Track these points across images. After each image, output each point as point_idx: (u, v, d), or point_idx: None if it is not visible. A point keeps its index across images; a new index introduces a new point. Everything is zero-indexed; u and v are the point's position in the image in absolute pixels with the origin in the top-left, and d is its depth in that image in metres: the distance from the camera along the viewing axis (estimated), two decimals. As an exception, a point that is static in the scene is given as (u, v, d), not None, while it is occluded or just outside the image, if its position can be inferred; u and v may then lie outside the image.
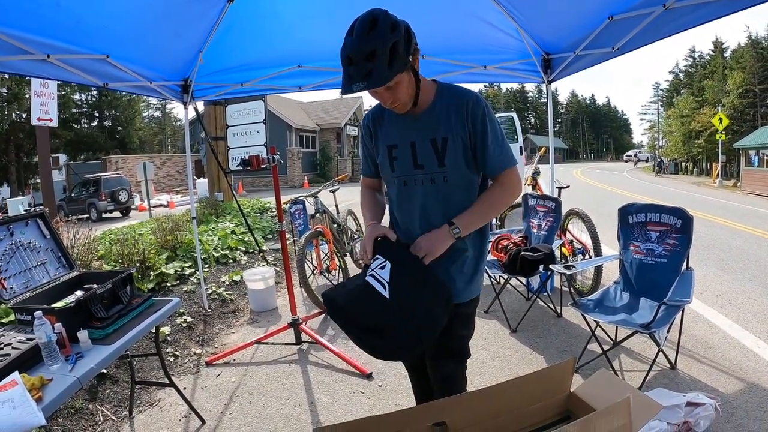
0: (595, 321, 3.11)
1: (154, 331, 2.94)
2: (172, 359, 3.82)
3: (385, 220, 1.97)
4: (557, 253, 4.52)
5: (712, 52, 48.01)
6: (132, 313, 2.54)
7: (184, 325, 4.33)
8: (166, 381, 2.93)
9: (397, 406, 2.97)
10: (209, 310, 4.77)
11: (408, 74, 1.63)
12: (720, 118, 24.90)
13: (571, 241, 4.86)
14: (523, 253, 3.83)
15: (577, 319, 4.16)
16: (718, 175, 25.70)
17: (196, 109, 4.74)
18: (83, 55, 3.38)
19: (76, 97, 37.55)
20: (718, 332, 3.91)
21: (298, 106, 34.18)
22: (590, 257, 4.65)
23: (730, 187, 23.62)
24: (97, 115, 39.89)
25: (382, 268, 1.66)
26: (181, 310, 4.55)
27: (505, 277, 4.23)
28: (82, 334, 2.12)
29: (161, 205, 19.52)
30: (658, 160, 42.98)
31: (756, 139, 21.87)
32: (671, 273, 3.20)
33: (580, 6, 3.48)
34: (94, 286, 2.55)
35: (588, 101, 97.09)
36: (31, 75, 3.29)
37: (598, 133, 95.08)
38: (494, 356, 3.58)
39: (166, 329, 4.11)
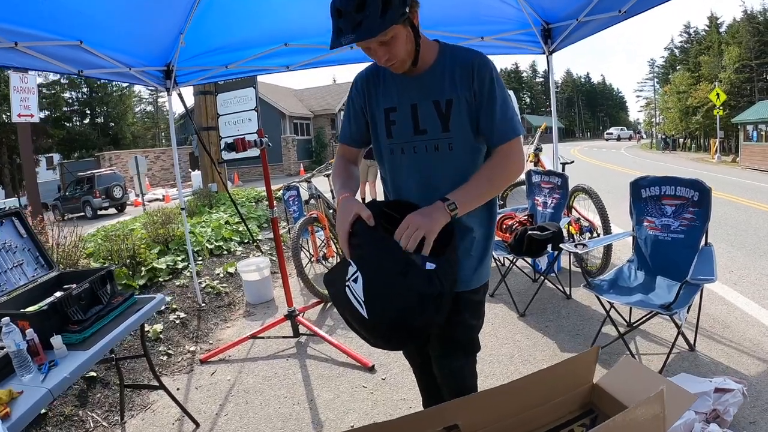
0: (609, 302, 2.92)
1: (140, 330, 2.77)
2: (165, 358, 3.64)
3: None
4: (564, 231, 4.32)
5: (707, 28, 47.58)
6: (112, 314, 2.35)
7: (177, 321, 4.15)
8: (156, 384, 2.75)
9: (403, 400, 2.79)
10: (203, 305, 4.58)
11: (405, 28, 1.42)
12: (717, 94, 24.68)
13: (578, 219, 4.65)
14: (530, 232, 3.62)
15: (587, 300, 3.98)
16: (716, 150, 25.54)
17: (180, 95, 4.49)
18: (54, 42, 3.17)
19: (67, 95, 37.17)
20: (734, 311, 3.73)
21: (291, 94, 33.85)
22: (598, 236, 4.46)
23: (729, 162, 23.48)
24: (88, 112, 39.45)
25: (355, 280, 1.42)
26: (174, 306, 4.36)
27: (511, 258, 4.03)
28: (56, 340, 1.94)
29: (157, 200, 19.32)
30: (663, 136, 42.73)
31: (754, 114, 21.72)
32: (689, 249, 3.01)
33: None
34: (74, 286, 2.37)
35: (583, 80, 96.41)
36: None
37: (593, 111, 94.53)
38: (503, 342, 3.39)
39: (158, 327, 3.93)
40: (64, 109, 36.77)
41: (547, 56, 4.38)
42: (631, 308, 3.39)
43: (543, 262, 4.15)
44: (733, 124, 25.20)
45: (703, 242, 3.00)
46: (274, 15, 3.85)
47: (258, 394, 3.03)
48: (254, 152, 3.43)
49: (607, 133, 61.41)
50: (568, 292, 4.12)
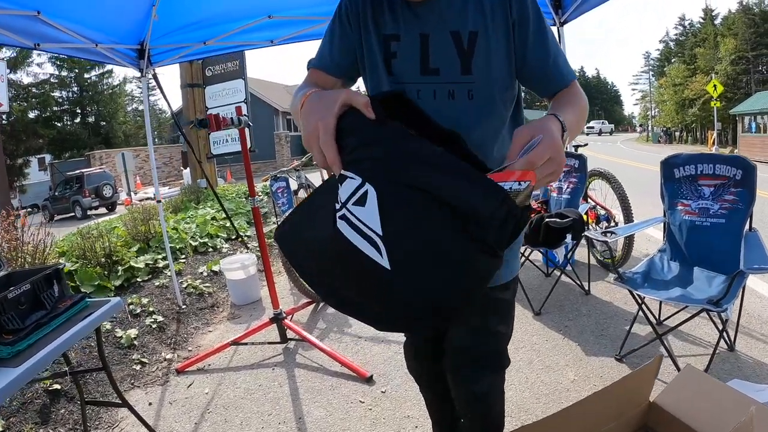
0: (640, 297, 2.53)
1: (97, 339, 2.36)
2: (138, 368, 3.23)
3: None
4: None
5: (702, 20, 47.40)
6: (56, 321, 1.93)
7: (154, 326, 3.73)
8: (119, 401, 2.34)
9: (407, 418, 2.37)
10: (183, 307, 4.16)
11: None
12: (714, 85, 24.47)
13: (594, 207, 4.25)
14: (547, 220, 3.21)
15: (608, 295, 3.59)
16: (714, 142, 25.41)
17: (155, 76, 4.09)
18: (9, 11, 2.78)
19: (57, 94, 36.59)
20: None
21: (284, 89, 33.48)
22: (615, 225, 4.07)
23: (727, 153, 23.32)
24: (79, 111, 38.85)
25: (360, 202, 0.80)
26: (152, 309, 3.95)
27: (523, 250, 3.63)
28: (-20, 355, 1.53)
29: (148, 198, 18.88)
30: (663, 129, 42.64)
31: (753, 105, 21.68)
32: (731, 236, 2.63)
33: None
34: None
35: (578, 73, 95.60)
36: None
37: (589, 105, 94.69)
38: (519, 346, 2.98)
39: (132, 332, 3.52)
40: (54, 108, 36.20)
41: (558, 28, 3.97)
42: (660, 305, 3.03)
43: (560, 253, 3.75)
44: (730, 115, 25.09)
45: (747, 227, 2.63)
46: (256, -17, 3.47)
47: (238, 411, 2.62)
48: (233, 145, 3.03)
49: (587, 127, 52.72)
50: (587, 288, 3.72)
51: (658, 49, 66.69)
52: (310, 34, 3.92)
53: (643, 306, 2.60)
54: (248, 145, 2.87)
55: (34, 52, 25.39)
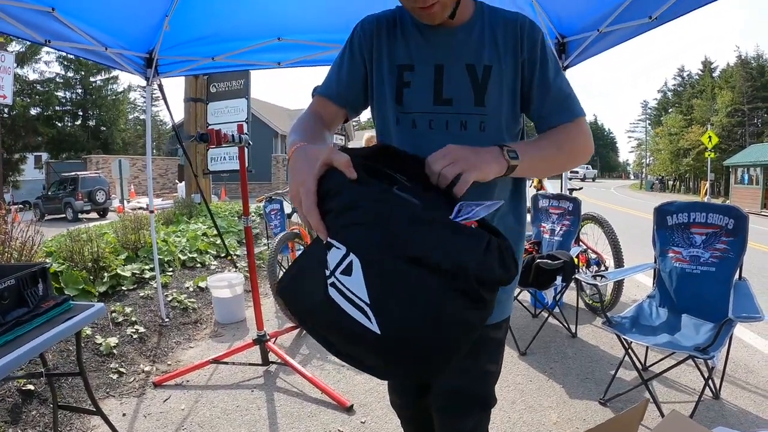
0: (627, 341, 2.53)
1: (76, 343, 2.32)
2: (115, 377, 3.15)
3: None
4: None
5: (701, 72, 48.55)
6: (38, 320, 1.91)
7: (135, 336, 3.67)
8: (93, 408, 2.29)
9: (385, 450, 2.33)
10: (167, 320, 4.09)
11: None
12: (710, 137, 24.93)
13: (585, 251, 4.27)
14: (538, 261, 3.21)
15: (595, 339, 3.58)
16: (706, 192, 25.73)
17: (160, 86, 4.10)
18: (24, 4, 2.81)
19: (60, 94, 36.66)
20: (756, 353, 3.45)
21: (285, 113, 33.74)
22: (605, 269, 4.08)
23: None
24: (80, 114, 38.88)
25: (346, 272, 0.81)
26: (134, 319, 3.88)
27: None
28: (-44, 348, 1.50)
29: (141, 208, 18.76)
30: (658, 178, 43.22)
31: (746, 157, 22.09)
32: (721, 284, 2.66)
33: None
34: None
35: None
36: None
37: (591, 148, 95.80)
38: (503, 385, 2.94)
39: (112, 340, 3.45)
40: (56, 108, 36.21)
41: (560, 72, 4.05)
42: (647, 351, 3.03)
43: (549, 295, 3.75)
44: (723, 166, 25.49)
45: (737, 276, 2.66)
46: (268, 5, 3.53)
47: (214, 430, 2.56)
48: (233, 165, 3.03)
49: (571, 171, 53.46)
50: (573, 330, 3.70)
51: (656, 99, 68.10)
52: (318, 60, 3.97)
53: (629, 351, 2.59)
54: (231, 135, 2.85)
55: (44, 49, 25.55)
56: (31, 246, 4.30)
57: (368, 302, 0.79)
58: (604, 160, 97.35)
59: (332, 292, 0.83)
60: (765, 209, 19.04)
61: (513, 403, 2.74)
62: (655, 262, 2.96)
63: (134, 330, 3.73)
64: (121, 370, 3.24)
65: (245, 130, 6.55)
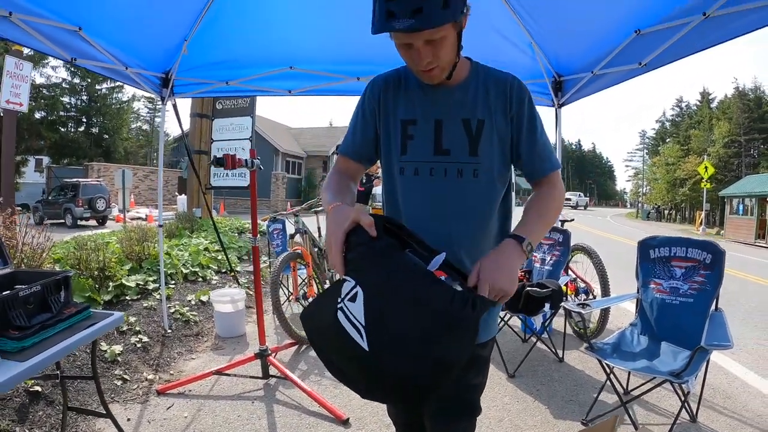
0: (609, 367, 2.70)
1: (92, 348, 2.47)
2: (119, 383, 3.28)
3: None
4: (561, 290, 4.10)
5: (699, 103, 49.23)
6: (60, 325, 2.05)
7: (139, 345, 3.80)
8: (104, 411, 2.43)
9: (378, 461, 2.48)
10: (169, 331, 4.23)
11: (454, 32, 1.23)
12: (706, 167, 25.29)
13: (575, 279, 4.45)
14: (528, 288, 3.37)
15: (581, 364, 3.73)
16: (701, 222, 25.96)
17: (174, 106, 4.30)
18: (53, 22, 2.98)
19: (66, 99, 36.92)
20: (735, 380, 3.62)
21: (287, 131, 34.10)
22: (594, 297, 4.25)
23: (714, 234, 23.92)
24: (84, 120, 39.11)
25: (353, 299, 1.09)
26: (138, 328, 4.02)
27: (502, 315, 3.79)
28: (-9, 344, 1.66)
29: (139, 218, 18.90)
30: (654, 207, 43.45)
31: (741, 188, 22.33)
32: (698, 315, 2.84)
33: (603, 17, 3.18)
34: (24, 287, 2.09)
35: (574, 146, 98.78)
36: None
37: (582, 178, 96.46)
38: (490, 405, 3.10)
39: (117, 348, 3.59)
40: (61, 113, 36.43)
41: (556, 109, 4.28)
42: (629, 375, 3.20)
43: (537, 321, 3.92)
44: (719, 197, 25.73)
45: (713, 307, 2.84)
46: (282, 35, 3.77)
47: (216, 438, 2.70)
48: (243, 182, 3.22)
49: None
50: (560, 355, 3.86)
51: (654, 129, 68.79)
52: (327, 90, 4.18)
53: (611, 375, 2.76)
54: (245, 160, 3.04)
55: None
56: (40, 252, 4.46)
57: (363, 324, 1.06)
58: (602, 188, 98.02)
59: (339, 315, 1.11)
60: (759, 240, 19.25)
61: (500, 422, 2.89)
62: (638, 292, 3.14)
63: (138, 339, 3.86)
64: (125, 377, 3.37)
65: (250, 149, 6.76)
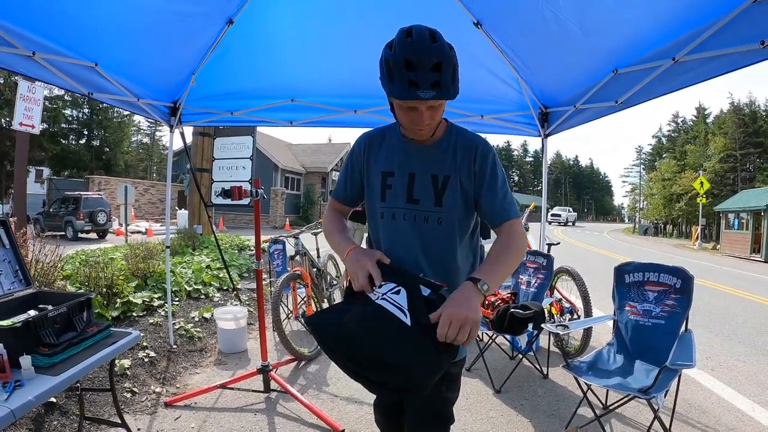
0: (587, 384, 2.92)
1: (109, 363, 2.69)
2: (128, 395, 3.50)
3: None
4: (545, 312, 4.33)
5: (695, 118, 49.67)
6: (85, 343, 2.30)
7: (146, 359, 4.02)
8: (118, 420, 2.65)
9: (371, 470, 2.70)
10: (175, 347, 4.45)
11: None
12: (701, 182, 25.53)
13: (560, 300, 4.69)
14: (512, 310, 3.63)
15: (564, 380, 3.95)
16: (697, 237, 26.14)
17: (182, 134, 4.55)
18: (71, 59, 3.22)
19: (68, 112, 37.29)
20: (711, 396, 3.82)
21: (286, 147, 34.33)
22: (578, 317, 4.48)
23: (710, 249, 24.03)
24: (85, 133, 39.50)
25: (397, 292, 1.46)
26: (145, 344, 4.24)
27: (490, 334, 4.02)
28: (25, 360, 1.90)
29: (139, 232, 19.09)
30: (653, 222, 43.58)
31: (737, 203, 22.40)
32: (669, 336, 3.05)
33: (585, 58, 3.43)
34: (50, 307, 2.32)
35: (572, 162, 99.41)
36: (12, 69, 3.04)
37: (579, 193, 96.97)
38: (477, 418, 3.32)
39: (126, 362, 3.80)
40: (63, 125, 36.74)
41: (542, 139, 4.54)
42: (608, 391, 3.40)
43: (522, 340, 4.15)
44: (715, 211, 25.88)
45: (683, 328, 3.05)
46: (285, 69, 4.00)
47: (221, 448, 2.92)
48: (244, 200, 3.45)
49: (552, 215, 45.78)
50: (545, 372, 4.08)
51: (651, 144, 69.33)
52: (326, 121, 4.44)
53: (590, 391, 2.98)
54: (251, 191, 3.29)
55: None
56: (53, 269, 4.69)
57: (407, 308, 1.43)
58: (599, 203, 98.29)
59: (383, 302, 1.46)
60: (754, 254, 19.38)
61: (485, 434, 3.11)
62: (614, 314, 3.37)
63: (145, 354, 4.07)
64: (134, 389, 3.58)
65: (252, 172, 7.01)
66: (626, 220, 62.02)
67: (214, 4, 3.23)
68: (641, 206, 57.57)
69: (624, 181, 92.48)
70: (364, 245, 1.83)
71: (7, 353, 1.83)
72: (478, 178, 1.62)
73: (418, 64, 1.38)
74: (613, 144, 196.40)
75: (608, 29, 3.05)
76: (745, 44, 2.29)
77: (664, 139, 61.22)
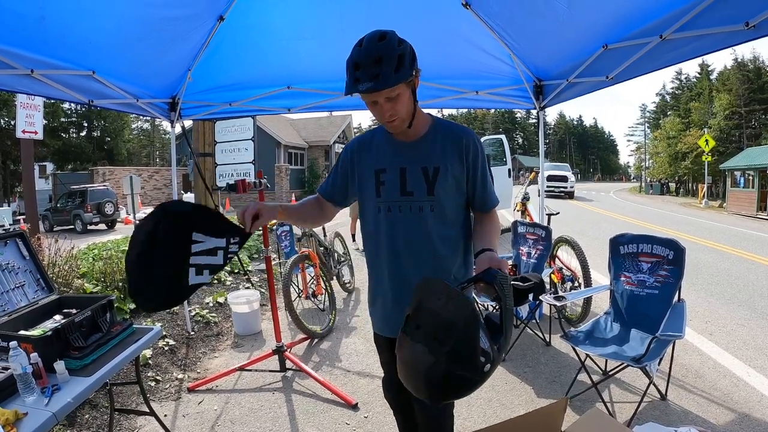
0: (585, 353, 3.07)
1: (135, 358, 2.85)
2: (153, 384, 3.70)
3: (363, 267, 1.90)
4: (546, 280, 4.47)
5: (698, 75, 48.82)
6: (111, 342, 2.44)
7: (166, 348, 4.22)
8: (146, 409, 2.82)
9: (384, 440, 2.89)
10: (192, 333, 4.65)
11: (408, 90, 1.64)
12: (706, 140, 25.28)
13: (561, 269, 4.83)
14: (512, 282, 3.76)
15: (566, 347, 4.11)
16: (704, 196, 26.05)
17: (183, 127, 4.65)
18: (68, 71, 3.29)
19: (66, 106, 37.22)
20: (708, 361, 3.92)
21: (288, 123, 34.09)
22: (579, 284, 4.61)
23: (716, 207, 23.96)
24: (85, 125, 39.48)
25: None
26: (164, 333, 4.43)
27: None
28: (59, 365, 2.02)
29: (147, 218, 19.17)
30: (661, 181, 43.16)
31: (742, 161, 22.17)
32: (662, 305, 3.18)
33: (574, 34, 3.47)
34: (73, 311, 2.46)
35: (576, 122, 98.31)
36: (14, 90, 3.17)
37: (585, 153, 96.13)
38: (481, 387, 3.48)
39: (147, 352, 3.98)
40: (62, 119, 36.72)
41: (538, 111, 4.61)
42: (606, 360, 3.55)
43: (524, 310, 4.30)
44: (720, 169, 25.69)
45: (676, 298, 3.17)
46: (280, 57, 4.04)
47: (244, 426, 3.11)
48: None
49: (557, 181, 32.79)
50: (547, 340, 4.25)
51: (655, 102, 68.41)
52: (323, 106, 4.53)
53: (588, 359, 3.14)
54: (254, 182, 3.43)
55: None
56: (69, 271, 4.86)
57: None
58: (605, 162, 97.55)
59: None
60: (761, 212, 19.31)
61: (489, 401, 3.30)
62: (611, 284, 3.51)
63: (165, 343, 4.27)
64: (158, 378, 3.78)
65: (254, 153, 7.08)
66: (633, 179, 61.64)
67: (203, 5, 3.29)
68: (647, 165, 57.15)
69: (629, 140, 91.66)
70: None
71: (42, 361, 1.96)
72: (471, 171, 1.77)
73: (362, 63, 1.54)
74: (617, 103, 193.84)
75: (596, 5, 3.09)
76: (730, 24, 2.34)
77: (668, 97, 60.35)
